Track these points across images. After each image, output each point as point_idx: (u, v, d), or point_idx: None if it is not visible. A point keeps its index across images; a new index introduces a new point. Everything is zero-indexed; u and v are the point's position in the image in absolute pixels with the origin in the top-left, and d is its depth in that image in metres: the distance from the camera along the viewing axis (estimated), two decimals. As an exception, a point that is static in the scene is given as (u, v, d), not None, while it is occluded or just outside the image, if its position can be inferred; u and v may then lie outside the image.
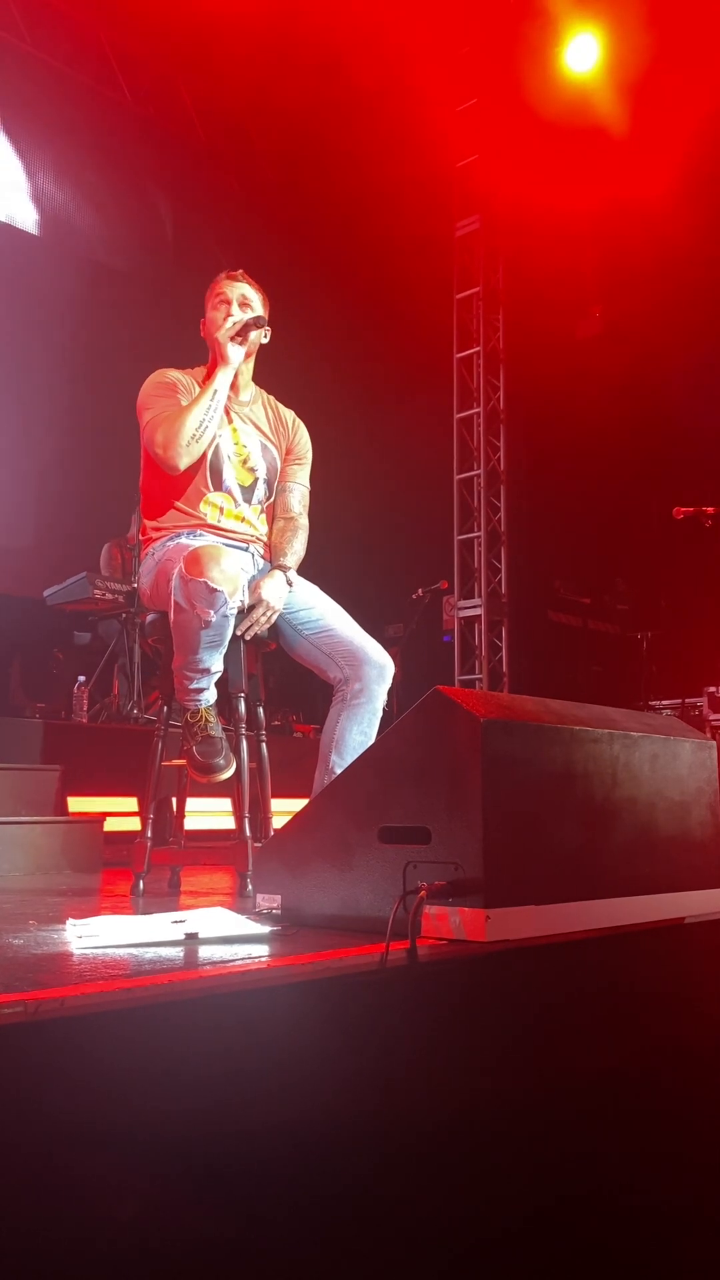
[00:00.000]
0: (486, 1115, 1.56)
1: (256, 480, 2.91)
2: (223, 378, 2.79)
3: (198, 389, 2.85)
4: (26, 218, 7.51)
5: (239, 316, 2.82)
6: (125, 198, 8.12)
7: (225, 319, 2.84)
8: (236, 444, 2.88)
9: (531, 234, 8.44)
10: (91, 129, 7.87)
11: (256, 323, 2.83)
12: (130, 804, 4.52)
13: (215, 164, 8.63)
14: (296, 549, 2.90)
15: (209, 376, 2.80)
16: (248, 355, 2.92)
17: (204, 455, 2.80)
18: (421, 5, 7.17)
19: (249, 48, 7.21)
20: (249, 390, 2.99)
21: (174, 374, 2.89)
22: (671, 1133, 1.88)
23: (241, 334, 2.80)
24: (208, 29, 7.08)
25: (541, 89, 7.58)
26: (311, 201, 8.84)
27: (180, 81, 8.30)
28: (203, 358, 2.98)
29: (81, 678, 5.60)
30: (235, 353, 2.80)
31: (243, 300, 2.89)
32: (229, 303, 2.88)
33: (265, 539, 2.94)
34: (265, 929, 1.77)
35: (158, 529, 2.83)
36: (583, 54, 7.54)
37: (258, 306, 2.91)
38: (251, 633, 2.70)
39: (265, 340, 2.94)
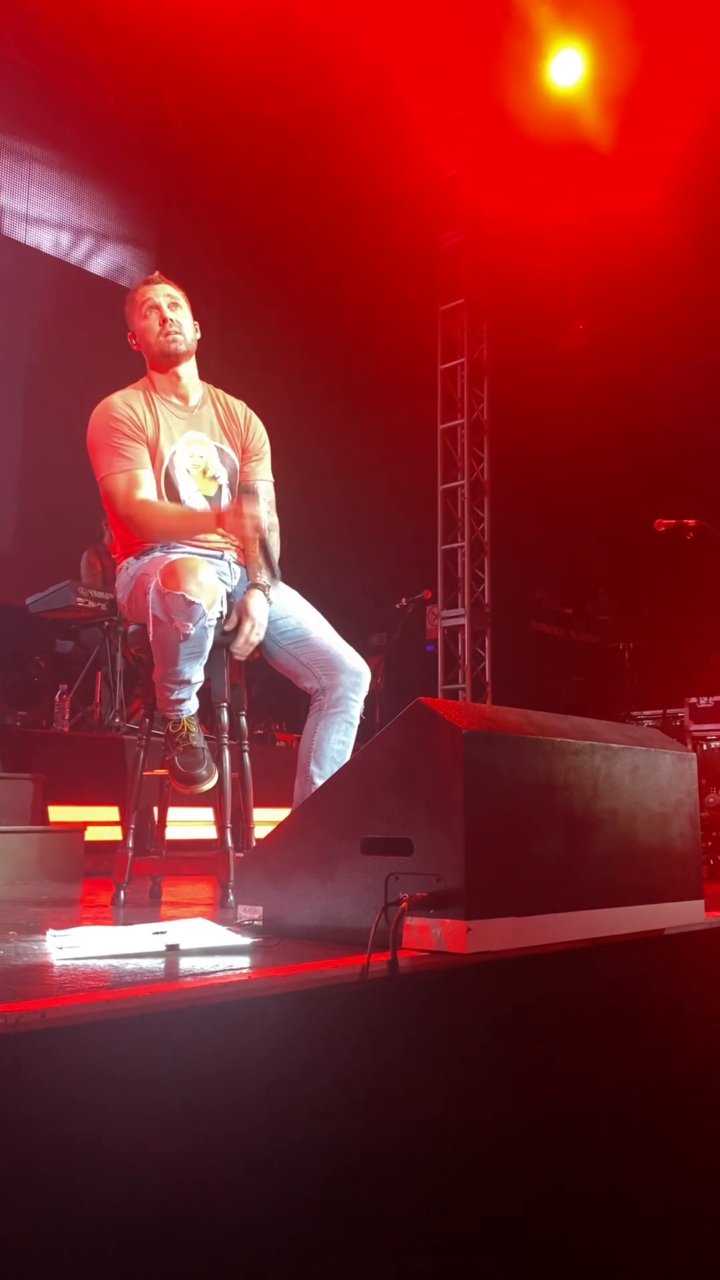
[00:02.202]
0: (467, 1125, 1.57)
1: (220, 488, 2.87)
2: (207, 529, 2.73)
3: (152, 415, 2.79)
4: (8, 224, 7.50)
5: (264, 521, 2.67)
6: (109, 206, 8.12)
7: (161, 323, 2.79)
8: (192, 456, 2.83)
9: (516, 247, 8.49)
10: (76, 137, 7.87)
11: (266, 562, 2.75)
12: (111, 813, 4.50)
13: (200, 174, 8.63)
14: (271, 555, 2.81)
15: (208, 525, 2.72)
16: (187, 356, 2.87)
17: (160, 477, 2.76)
18: (407, 18, 7.21)
19: (235, 58, 7.23)
20: (197, 392, 2.93)
21: (119, 407, 2.79)
22: (652, 1141, 1.89)
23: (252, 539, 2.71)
24: (194, 39, 7.09)
25: (526, 103, 7.62)
26: (296, 213, 8.85)
27: (166, 91, 8.30)
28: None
29: (63, 686, 5.57)
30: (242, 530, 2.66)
31: (172, 302, 2.84)
32: (157, 308, 2.82)
33: (236, 543, 2.86)
34: (247, 940, 1.77)
35: (131, 543, 2.81)
36: (567, 69, 7.59)
37: (184, 304, 2.86)
38: (246, 652, 2.69)
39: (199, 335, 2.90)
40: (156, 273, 2.92)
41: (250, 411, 3.00)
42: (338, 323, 8.91)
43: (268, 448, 3.00)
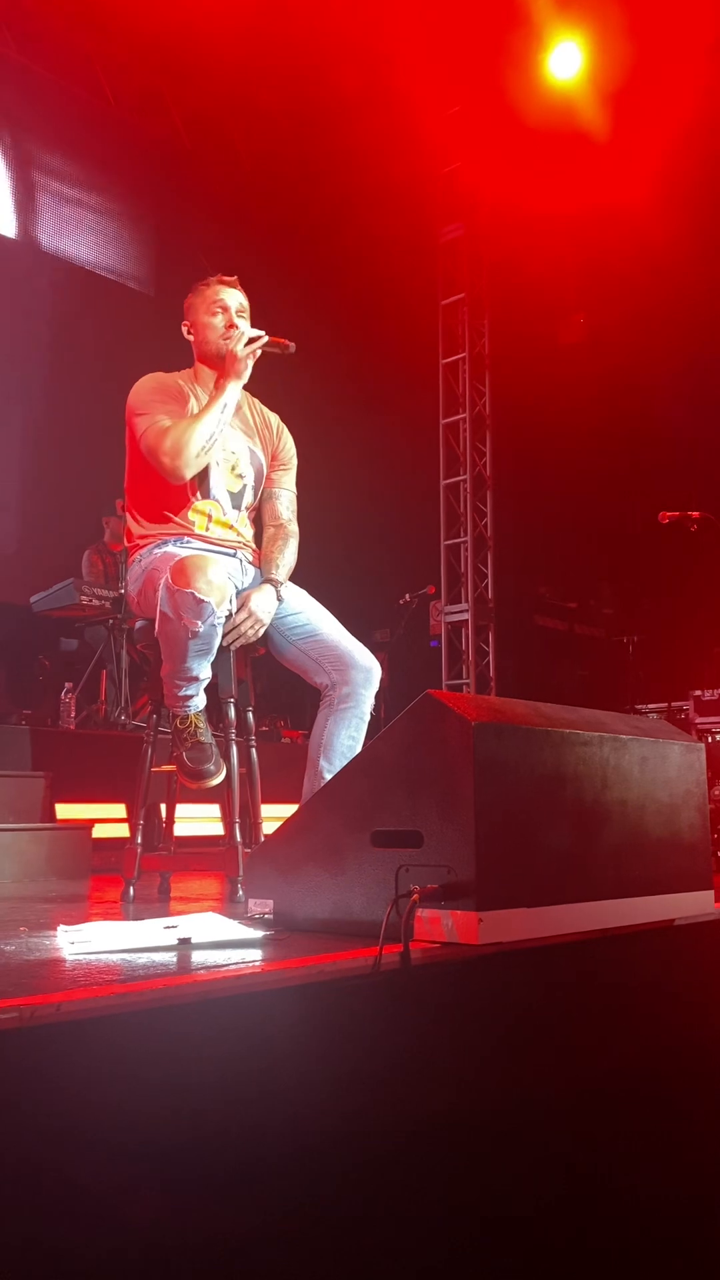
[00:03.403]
0: (480, 1116, 1.57)
1: (244, 486, 2.90)
2: (233, 391, 2.74)
3: (193, 394, 2.84)
4: (7, 223, 7.49)
5: (256, 332, 2.76)
6: (109, 203, 8.12)
7: (227, 327, 2.82)
8: (224, 450, 2.85)
9: (516, 240, 8.48)
10: (75, 134, 7.86)
11: (281, 349, 2.77)
12: (118, 810, 4.51)
13: (199, 169, 8.63)
14: (288, 559, 2.88)
15: (218, 388, 2.74)
16: None
17: None
18: (405, 12, 7.20)
19: (233, 54, 7.22)
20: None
21: (165, 380, 2.85)
22: (665, 1131, 1.89)
23: (252, 351, 2.75)
24: (192, 35, 7.08)
25: (525, 96, 7.61)
26: (296, 207, 8.85)
27: (165, 87, 8.29)
28: (186, 362, 2.97)
29: (68, 684, 5.58)
30: (248, 368, 2.75)
31: (240, 309, 2.87)
32: (227, 310, 2.85)
33: (251, 544, 2.93)
34: (258, 934, 1.77)
35: (144, 536, 2.81)
36: (566, 61, 7.58)
37: (248, 314, 2.90)
38: (237, 645, 2.69)
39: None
40: (234, 276, 2.93)
41: (283, 425, 3.04)
42: (338, 318, 8.90)
43: (295, 461, 3.04)
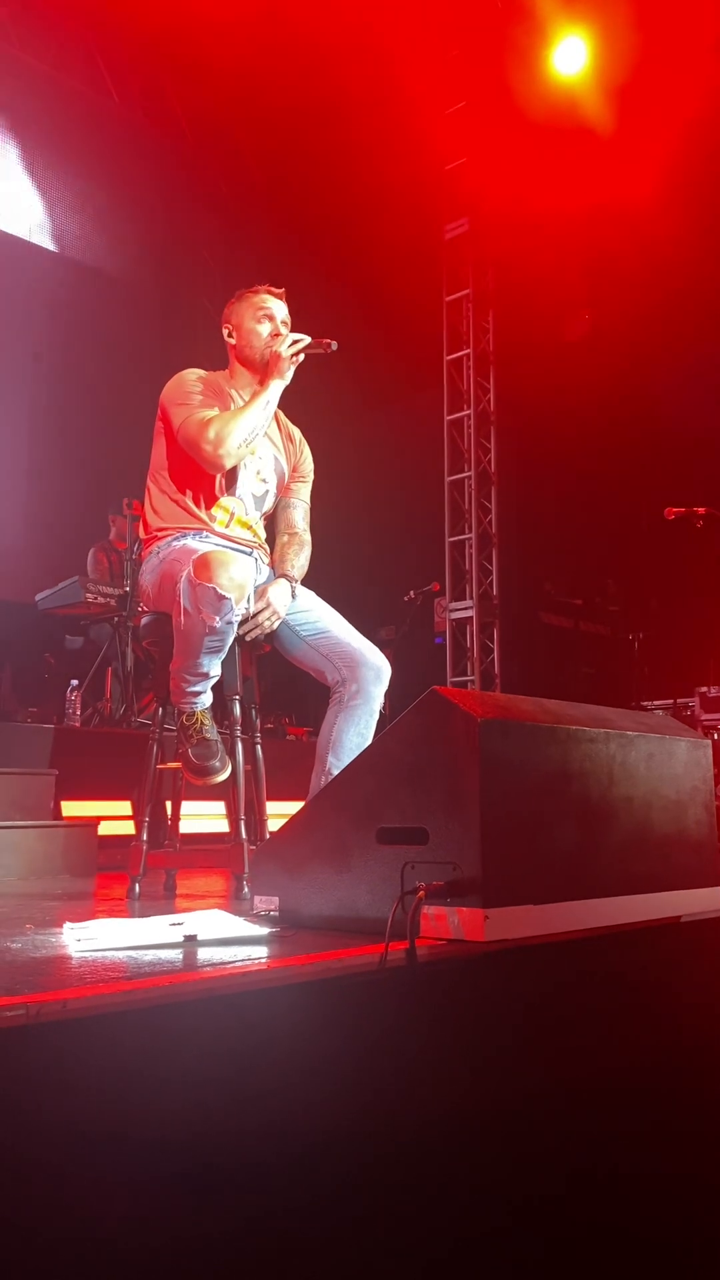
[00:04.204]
0: (486, 1113, 1.57)
1: (266, 491, 2.96)
2: (276, 390, 2.80)
3: (233, 393, 2.88)
4: (10, 220, 7.49)
5: (300, 336, 2.82)
6: (112, 201, 8.11)
7: (272, 335, 2.86)
8: (253, 454, 2.91)
9: (520, 236, 8.46)
10: (78, 132, 7.86)
11: (323, 349, 2.82)
12: (124, 808, 4.51)
13: (203, 167, 8.62)
14: (302, 562, 2.94)
15: (263, 385, 2.80)
16: None
17: None
18: (409, 9, 7.18)
19: (236, 51, 7.21)
20: None
21: (202, 376, 2.89)
22: (672, 1128, 1.89)
23: (299, 354, 2.81)
24: (195, 32, 7.08)
25: (530, 92, 7.59)
26: (300, 205, 8.84)
27: (168, 84, 8.29)
28: (196, 360, 2.98)
29: (74, 682, 5.58)
30: (291, 370, 2.82)
31: (285, 320, 2.92)
32: (273, 319, 2.90)
33: (266, 546, 2.97)
34: (264, 930, 1.77)
35: (162, 528, 2.83)
36: (571, 57, 7.55)
37: (289, 329, 2.93)
38: (254, 635, 2.72)
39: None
40: (283, 289, 2.98)
41: (304, 439, 3.11)
42: (342, 315, 8.87)
43: (312, 473, 3.10)
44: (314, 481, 3.12)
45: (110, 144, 8.05)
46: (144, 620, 2.86)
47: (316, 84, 7.61)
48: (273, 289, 2.96)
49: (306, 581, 2.95)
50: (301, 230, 8.94)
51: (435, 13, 7.35)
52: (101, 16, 7.47)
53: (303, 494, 3.07)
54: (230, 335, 2.95)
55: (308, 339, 2.82)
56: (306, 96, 7.73)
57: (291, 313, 2.96)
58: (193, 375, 2.88)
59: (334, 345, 2.83)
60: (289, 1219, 1.30)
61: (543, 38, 7.54)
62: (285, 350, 2.79)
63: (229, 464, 2.76)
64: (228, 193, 8.80)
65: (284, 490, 3.03)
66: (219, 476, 2.81)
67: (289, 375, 2.82)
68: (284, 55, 7.32)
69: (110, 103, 8.05)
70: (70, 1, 7.36)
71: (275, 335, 2.87)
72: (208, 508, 2.83)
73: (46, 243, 7.69)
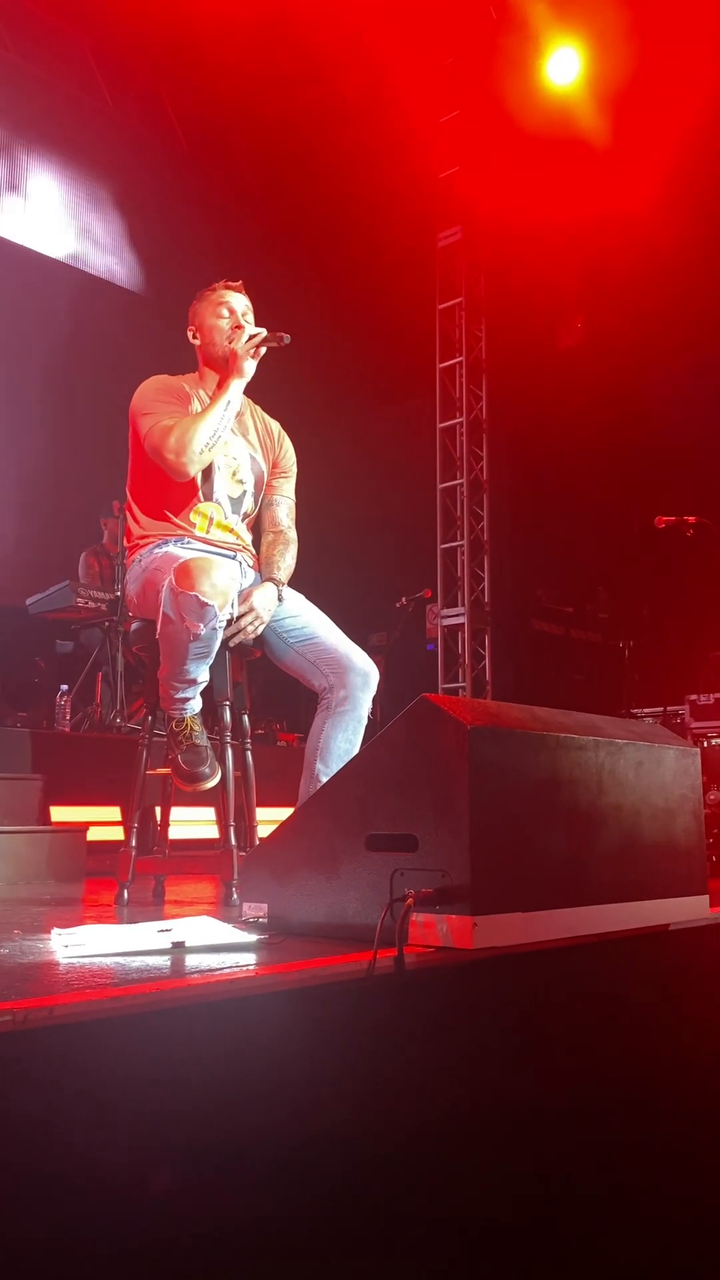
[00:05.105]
0: (474, 1121, 1.56)
1: (245, 492, 2.92)
2: (236, 389, 2.78)
3: (196, 396, 2.85)
4: (5, 226, 7.49)
5: (256, 330, 2.80)
6: (105, 205, 8.12)
7: (233, 329, 2.84)
8: (227, 455, 2.87)
9: (513, 245, 8.49)
10: (73, 136, 7.86)
11: (278, 341, 2.81)
12: (113, 814, 4.50)
13: (197, 173, 8.63)
14: (288, 563, 2.91)
15: (221, 386, 2.78)
16: None
17: None
18: (404, 17, 7.21)
19: (232, 57, 7.23)
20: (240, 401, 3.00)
21: (169, 382, 2.88)
22: (659, 1136, 1.89)
23: (257, 349, 2.80)
24: (191, 37, 7.09)
25: (523, 101, 7.62)
26: (293, 211, 8.86)
27: (163, 89, 8.30)
28: (188, 365, 2.98)
29: (64, 686, 5.57)
30: (251, 366, 2.80)
31: (245, 311, 2.90)
32: (233, 313, 2.88)
33: (251, 549, 2.94)
34: (252, 938, 1.77)
35: (144, 536, 2.82)
36: (564, 67, 7.59)
37: (252, 318, 2.91)
38: (237, 640, 2.70)
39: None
40: (239, 281, 2.96)
41: (284, 433, 3.07)
42: (335, 322, 8.91)
43: (295, 468, 3.07)
44: (307, 487, 3.10)
45: (104, 149, 8.06)
46: (134, 626, 2.85)
47: (311, 92, 7.63)
48: (229, 283, 2.94)
49: (296, 585, 2.94)
50: (295, 237, 8.96)
51: (429, 22, 7.38)
52: (96, 21, 7.48)
53: (286, 490, 3.03)
54: (194, 336, 2.93)
55: (263, 332, 2.79)
56: (301, 104, 7.75)
57: (284, 318, 2.96)
58: (156, 382, 2.86)
59: (287, 338, 2.80)
60: (275, 1226, 1.30)
61: (536, 48, 7.58)
62: (241, 348, 2.77)
63: (194, 470, 2.73)
64: (221, 198, 8.81)
65: (266, 488, 2.99)
66: (194, 481, 2.79)
67: (249, 372, 2.79)
68: (279, 62, 7.34)
69: (105, 107, 8.05)
70: (64, 6, 7.37)
71: (237, 328, 2.84)
72: (185, 514, 2.81)
73: (38, 246, 7.69)
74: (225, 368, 2.81)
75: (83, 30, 7.69)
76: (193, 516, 2.81)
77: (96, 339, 7.64)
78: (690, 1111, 2.00)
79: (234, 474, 2.90)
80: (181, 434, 2.68)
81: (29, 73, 7.54)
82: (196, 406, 2.82)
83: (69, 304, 7.64)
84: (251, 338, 2.78)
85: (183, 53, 7.39)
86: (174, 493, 2.80)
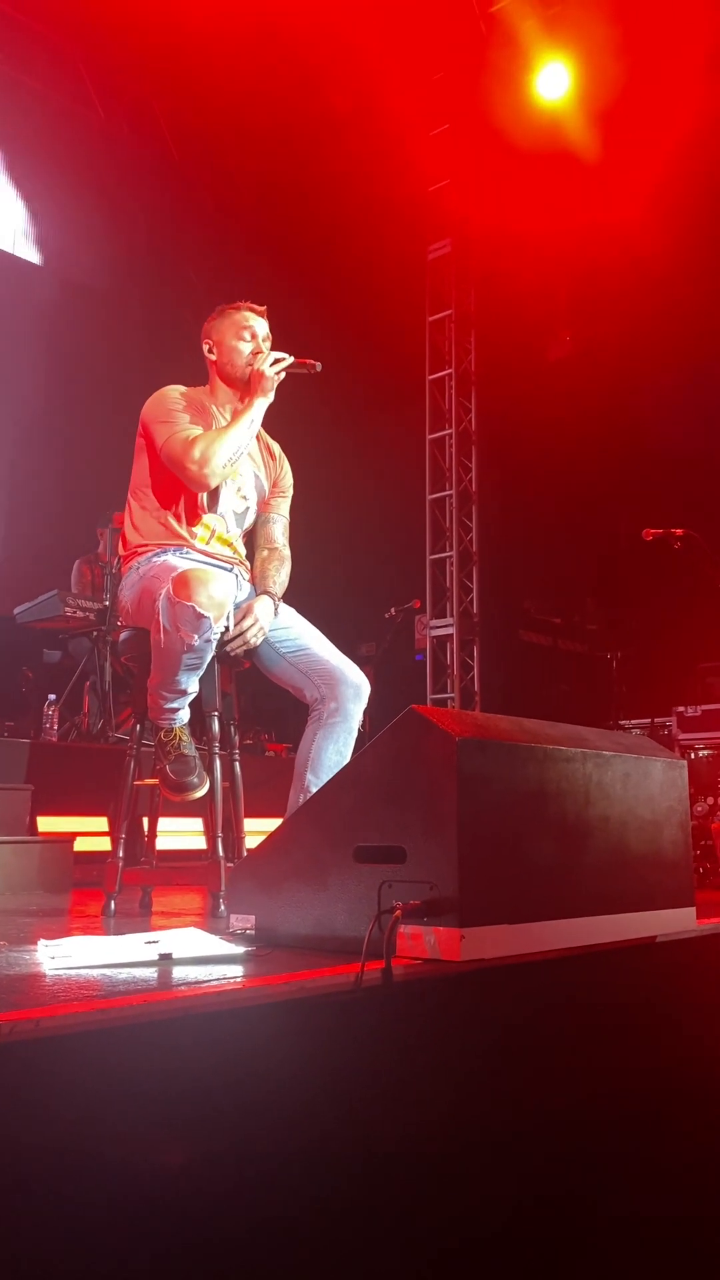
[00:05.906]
0: (461, 1133, 1.56)
1: (247, 508, 2.97)
2: (259, 408, 2.82)
3: (215, 410, 2.89)
4: (-1, 236, 7.50)
5: (281, 355, 2.83)
6: (97, 217, 8.12)
7: (253, 353, 2.87)
8: (234, 475, 2.91)
9: (503, 257, 8.53)
10: (65, 148, 7.87)
11: (308, 369, 2.84)
12: (100, 824, 4.49)
13: (189, 185, 8.65)
14: (283, 579, 2.95)
15: (247, 404, 2.81)
16: None
17: None
18: (395, 31, 7.25)
19: (224, 70, 7.25)
20: None
21: (183, 392, 2.90)
22: (647, 1146, 1.89)
23: (280, 372, 2.82)
24: (183, 51, 7.12)
25: (513, 115, 7.67)
26: (284, 224, 8.88)
27: (155, 102, 8.32)
28: (179, 376, 2.99)
29: (52, 696, 5.56)
30: (274, 386, 2.83)
31: (266, 337, 2.94)
32: (255, 336, 2.92)
33: (247, 563, 2.97)
34: (240, 949, 1.76)
35: (142, 544, 2.83)
36: (553, 81, 7.64)
37: (270, 345, 2.94)
38: (238, 649, 2.71)
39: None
40: (264, 307, 3.00)
41: (284, 455, 3.12)
42: (325, 333, 8.91)
43: (292, 490, 3.11)
44: (296, 498, 3.13)
45: (96, 160, 8.06)
46: (123, 636, 2.85)
47: (301, 105, 7.66)
48: (254, 306, 2.98)
49: (287, 597, 2.96)
50: (285, 248, 8.97)
51: (420, 36, 7.42)
52: (87, 33, 7.49)
53: (282, 509, 3.08)
54: (210, 351, 2.96)
55: (291, 358, 2.84)
56: (292, 118, 7.78)
57: (275, 331, 2.98)
58: (175, 392, 2.88)
59: (318, 366, 2.85)
60: (262, 1238, 1.29)
61: (526, 63, 7.62)
62: (269, 369, 2.80)
63: (214, 483, 2.77)
64: (212, 210, 8.83)
65: (263, 506, 3.04)
66: (201, 494, 2.82)
67: (272, 393, 2.83)
68: (270, 75, 7.37)
69: (96, 118, 8.07)
70: (56, 18, 7.39)
71: (256, 353, 2.88)
72: (190, 525, 2.84)
73: (31, 256, 7.69)
74: (246, 387, 2.85)
75: (75, 43, 7.71)
76: (197, 527, 2.85)
77: (87, 349, 7.64)
78: (678, 1121, 2.00)
79: (239, 489, 2.95)
80: (207, 446, 2.71)
81: (20, 83, 7.55)
82: (217, 420, 2.87)
83: (59, 313, 7.64)
84: (279, 360, 2.81)
85: (174, 65, 7.41)
86: (185, 501, 2.83)
